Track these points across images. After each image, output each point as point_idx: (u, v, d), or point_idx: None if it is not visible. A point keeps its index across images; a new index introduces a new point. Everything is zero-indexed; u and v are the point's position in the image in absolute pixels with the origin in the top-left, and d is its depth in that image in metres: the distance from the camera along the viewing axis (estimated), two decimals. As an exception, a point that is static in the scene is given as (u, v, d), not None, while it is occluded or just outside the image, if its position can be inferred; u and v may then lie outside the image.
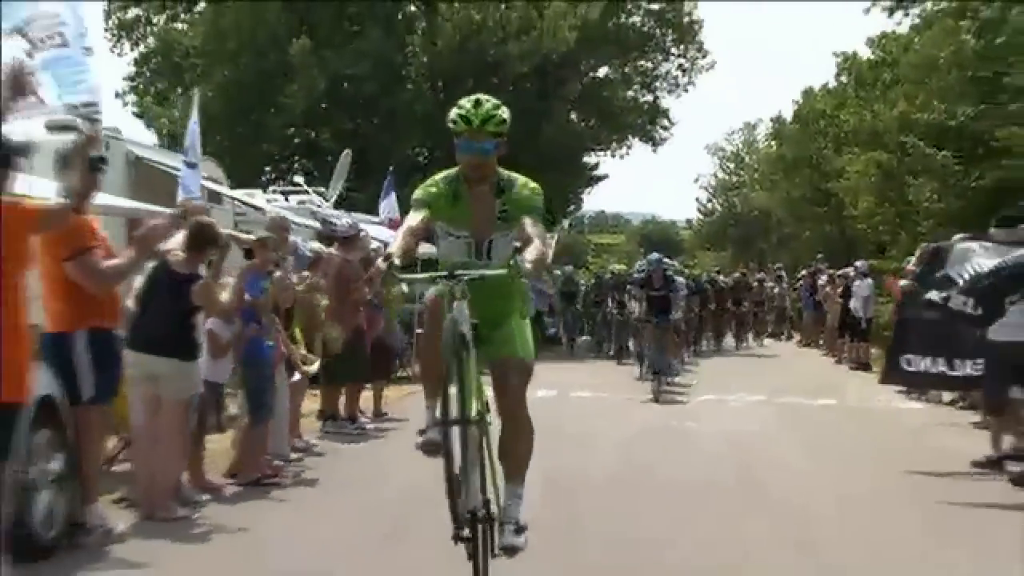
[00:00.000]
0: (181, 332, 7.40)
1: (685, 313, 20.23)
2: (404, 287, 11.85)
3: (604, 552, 6.67)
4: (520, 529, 5.32)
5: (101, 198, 7.29)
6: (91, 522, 6.59)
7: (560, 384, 15.36)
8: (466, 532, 5.13)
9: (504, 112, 5.40)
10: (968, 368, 9.93)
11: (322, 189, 20.82)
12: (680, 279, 19.57)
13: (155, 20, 32.77)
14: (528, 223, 5.37)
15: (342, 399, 11.65)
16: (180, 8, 32.56)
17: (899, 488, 8.95)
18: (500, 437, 5.43)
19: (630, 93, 34.67)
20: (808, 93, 43.49)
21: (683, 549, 6.78)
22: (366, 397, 12.51)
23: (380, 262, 5.55)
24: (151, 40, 32.77)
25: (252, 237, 9.38)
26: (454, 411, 5.12)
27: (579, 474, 9.08)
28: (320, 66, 27.46)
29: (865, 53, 35.53)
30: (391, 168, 19.84)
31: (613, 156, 36.01)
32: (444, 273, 5.22)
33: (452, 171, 5.53)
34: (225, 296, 7.91)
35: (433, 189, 5.49)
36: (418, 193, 5.51)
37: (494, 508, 5.30)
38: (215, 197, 13.74)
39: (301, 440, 10.27)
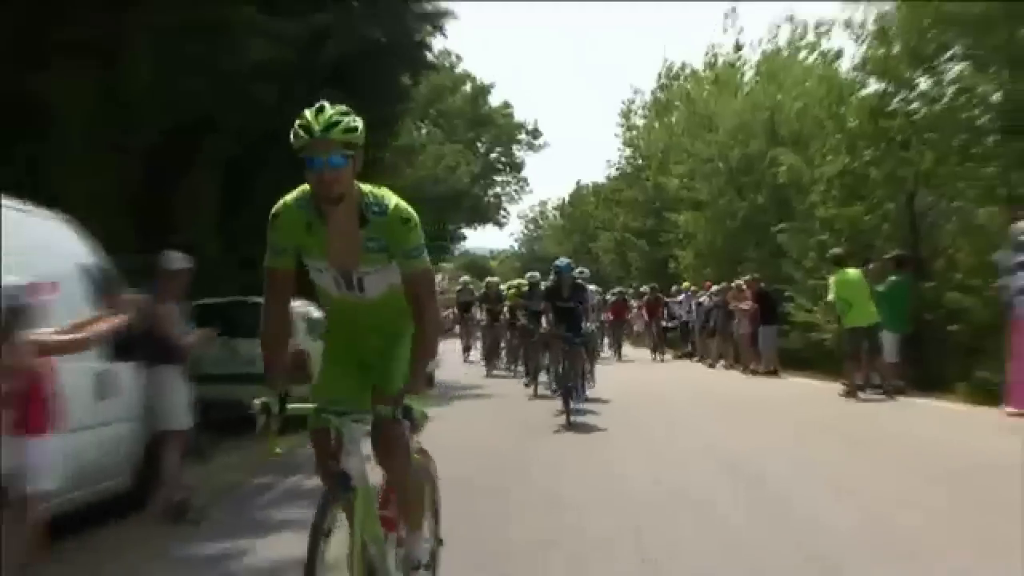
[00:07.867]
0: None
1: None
2: None
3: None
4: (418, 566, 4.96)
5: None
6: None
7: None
8: None
9: (354, 120, 4.30)
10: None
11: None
12: (591, 286, 19.32)
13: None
14: (415, 279, 4.47)
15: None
16: None
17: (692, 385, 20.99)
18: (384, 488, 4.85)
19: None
20: (580, 187, 72.75)
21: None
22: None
23: (256, 403, 4.27)
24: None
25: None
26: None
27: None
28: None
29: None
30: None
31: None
32: (330, 409, 4.44)
33: (307, 191, 4.41)
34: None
35: (282, 225, 4.42)
36: (270, 236, 4.44)
37: None
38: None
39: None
